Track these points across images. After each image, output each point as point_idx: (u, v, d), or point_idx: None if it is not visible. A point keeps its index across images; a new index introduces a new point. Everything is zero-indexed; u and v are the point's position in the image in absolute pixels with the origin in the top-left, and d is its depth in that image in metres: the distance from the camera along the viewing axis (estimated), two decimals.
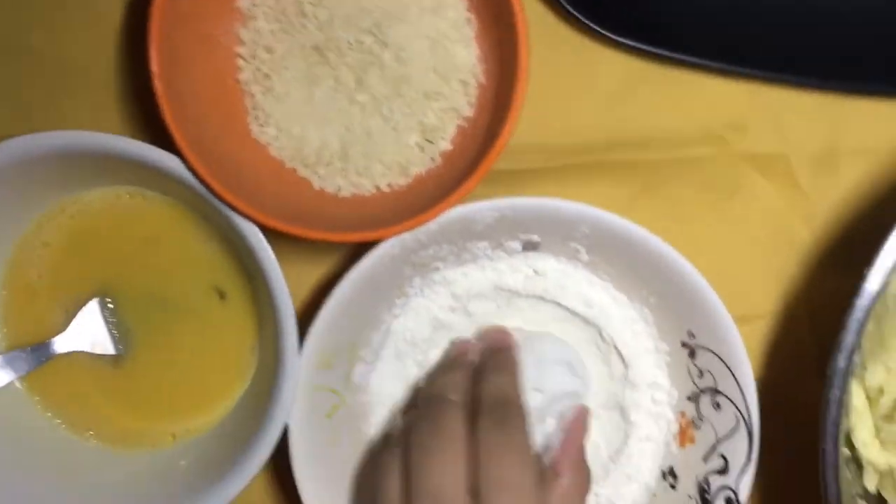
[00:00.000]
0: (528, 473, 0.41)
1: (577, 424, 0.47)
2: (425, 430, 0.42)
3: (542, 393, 0.47)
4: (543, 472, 0.43)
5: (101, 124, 0.50)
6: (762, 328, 0.52)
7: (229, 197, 0.44)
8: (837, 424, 0.40)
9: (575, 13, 0.48)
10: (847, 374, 0.39)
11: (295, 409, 0.47)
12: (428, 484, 0.40)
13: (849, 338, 0.39)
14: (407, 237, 0.46)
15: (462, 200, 0.45)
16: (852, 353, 0.39)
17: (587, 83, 0.51)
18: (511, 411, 0.43)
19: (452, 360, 0.49)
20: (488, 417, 0.43)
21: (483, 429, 0.42)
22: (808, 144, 0.51)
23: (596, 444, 0.52)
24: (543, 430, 0.47)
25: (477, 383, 0.45)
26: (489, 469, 0.40)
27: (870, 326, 0.46)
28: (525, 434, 0.43)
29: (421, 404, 0.46)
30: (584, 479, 0.45)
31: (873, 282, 0.39)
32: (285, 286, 0.45)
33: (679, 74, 0.50)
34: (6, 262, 0.51)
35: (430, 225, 0.45)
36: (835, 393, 0.39)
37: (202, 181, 0.44)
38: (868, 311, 0.38)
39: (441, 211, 0.44)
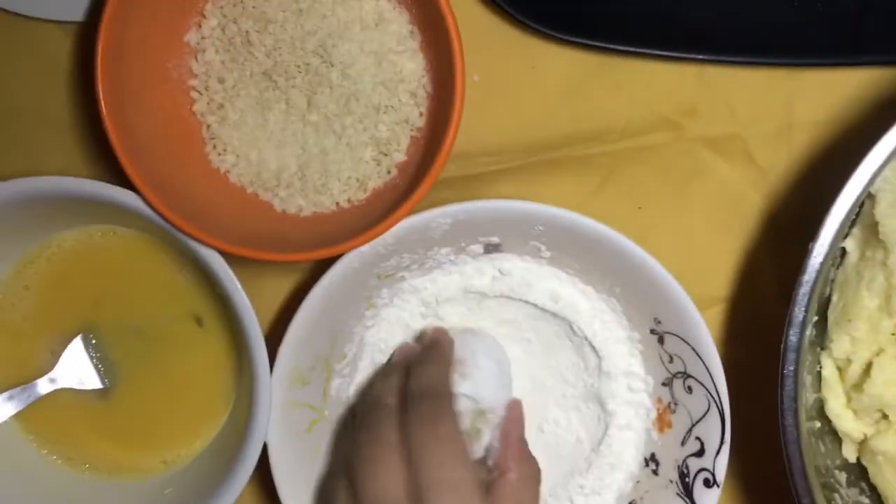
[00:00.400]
0: (461, 464, 0.42)
1: (512, 420, 0.47)
2: (363, 441, 0.43)
3: (476, 402, 0.47)
4: (491, 471, 0.44)
5: (68, 167, 0.52)
6: (731, 307, 0.52)
7: (188, 227, 0.45)
8: (795, 399, 0.40)
9: (522, 19, 0.49)
10: (800, 348, 0.39)
11: (272, 427, 0.48)
12: (371, 495, 0.41)
13: (798, 312, 0.39)
14: (365, 250, 0.46)
15: (415, 210, 0.45)
16: (804, 327, 0.40)
17: (537, 82, 0.52)
18: (437, 402, 0.44)
19: (391, 365, 0.50)
20: (415, 411, 0.43)
21: (411, 423, 0.43)
22: (760, 122, 0.51)
23: (578, 437, 0.52)
24: (480, 442, 0.46)
25: (408, 379, 0.46)
26: (423, 470, 0.41)
27: (834, 298, 0.47)
28: (452, 422, 0.43)
29: (359, 413, 0.47)
30: (531, 470, 0.45)
31: (817, 254, 0.39)
32: (252, 311, 0.46)
33: (627, 64, 0.51)
34: None
35: (387, 237, 0.46)
36: (789, 368, 0.39)
37: (160, 214, 0.45)
38: (813, 285, 0.39)
39: (393, 223, 0.45)
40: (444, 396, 0.45)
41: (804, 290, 0.39)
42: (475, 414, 0.46)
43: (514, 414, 0.47)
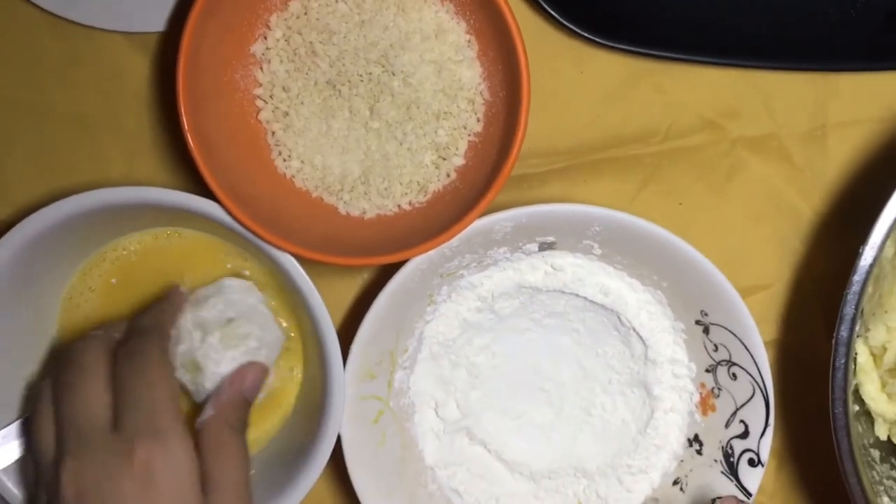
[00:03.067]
0: (161, 389, 0.44)
1: (236, 376, 0.48)
2: (66, 370, 0.45)
3: (203, 375, 0.48)
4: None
5: (131, 174, 0.54)
6: (770, 296, 0.55)
7: (268, 235, 0.47)
8: (845, 389, 0.43)
9: (569, 24, 0.51)
10: (850, 342, 0.43)
11: (345, 420, 0.50)
12: (71, 415, 0.44)
13: (849, 310, 0.42)
14: (433, 253, 0.49)
15: (481, 215, 0.48)
16: (854, 322, 0.43)
17: (584, 86, 0.54)
18: (145, 339, 0.46)
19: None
20: (122, 349, 0.46)
21: (118, 361, 0.45)
22: (797, 122, 0.54)
23: (624, 420, 0.56)
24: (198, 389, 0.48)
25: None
26: (122, 393, 0.44)
27: (869, 289, 0.50)
28: (156, 358, 0.45)
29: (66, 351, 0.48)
30: (231, 414, 0.46)
31: (867, 257, 0.42)
32: (327, 313, 0.48)
33: (670, 69, 0.53)
34: (58, 311, 0.54)
35: (453, 240, 0.48)
36: (840, 361, 0.43)
37: (241, 223, 0.47)
38: (864, 285, 0.42)
39: (461, 229, 0.48)
40: (153, 334, 0.47)
41: (855, 289, 0.42)
42: (191, 365, 0.48)
43: (240, 372, 0.48)
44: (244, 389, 0.48)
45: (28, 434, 0.46)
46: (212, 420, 0.46)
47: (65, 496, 0.42)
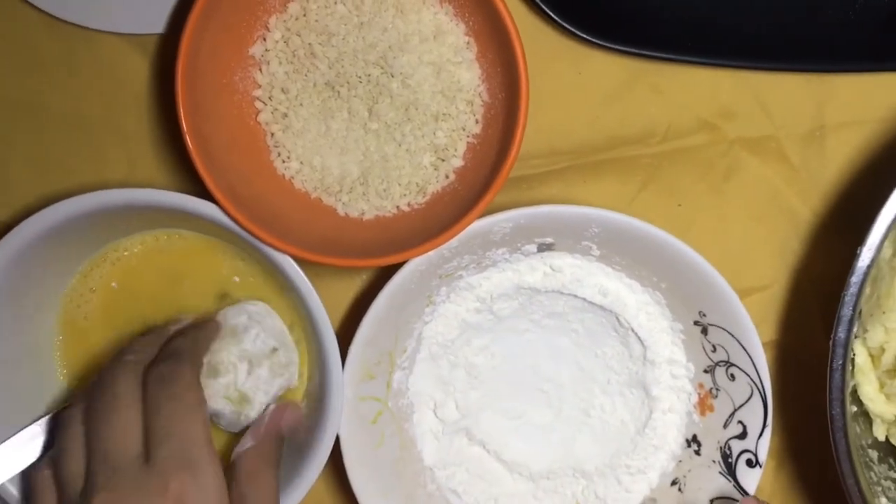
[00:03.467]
0: (193, 419, 0.44)
1: (276, 412, 0.51)
2: (100, 398, 0.45)
3: (252, 406, 0.51)
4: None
5: (131, 176, 0.54)
6: (769, 297, 0.55)
7: (267, 237, 0.47)
8: (843, 390, 0.43)
9: (567, 25, 0.51)
10: (848, 343, 0.43)
11: (343, 420, 0.51)
12: (104, 446, 0.43)
13: (847, 311, 0.42)
14: (432, 254, 0.49)
15: (480, 216, 0.48)
16: (852, 323, 0.43)
17: (583, 87, 0.54)
18: (179, 364, 0.46)
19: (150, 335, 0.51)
20: (154, 371, 0.45)
21: (148, 383, 0.45)
22: (794, 123, 0.54)
23: (622, 420, 0.56)
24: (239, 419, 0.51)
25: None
26: (154, 421, 0.43)
27: (867, 290, 0.50)
28: (189, 385, 0.45)
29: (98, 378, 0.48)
30: (269, 448, 0.49)
31: (865, 258, 0.42)
32: (326, 315, 0.48)
33: (667, 70, 0.53)
34: (58, 311, 0.54)
35: (452, 241, 0.49)
36: (838, 362, 0.43)
37: (239, 224, 0.48)
38: (861, 286, 0.42)
39: (460, 230, 0.48)
40: (185, 359, 0.47)
41: (852, 290, 0.42)
42: (238, 397, 0.50)
43: (279, 410, 0.51)
44: (282, 427, 0.50)
45: (56, 462, 0.45)
46: (251, 450, 0.48)
47: None
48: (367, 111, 0.51)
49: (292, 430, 0.51)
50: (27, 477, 0.48)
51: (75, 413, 0.46)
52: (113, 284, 0.54)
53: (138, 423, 0.44)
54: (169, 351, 0.48)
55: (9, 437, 0.49)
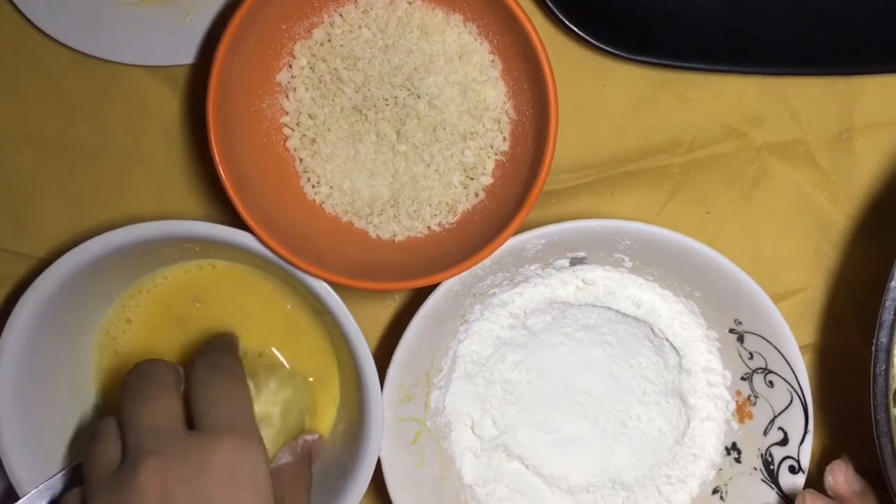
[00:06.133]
0: (240, 394, 0.45)
1: (309, 440, 0.53)
2: (138, 383, 0.45)
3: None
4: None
5: (165, 204, 0.55)
6: (803, 300, 0.55)
7: (302, 264, 0.48)
8: (887, 395, 0.43)
9: (590, 39, 0.51)
10: (890, 347, 0.43)
11: (384, 443, 0.51)
12: (150, 420, 0.43)
13: (888, 316, 0.42)
14: (466, 274, 0.49)
15: (513, 234, 0.48)
16: (893, 328, 0.43)
17: (607, 99, 0.54)
18: (222, 355, 0.47)
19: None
20: (198, 362, 0.46)
21: (194, 369, 0.46)
22: (822, 127, 0.54)
23: (660, 430, 0.56)
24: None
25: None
26: (202, 394, 0.44)
27: None
28: (234, 367, 0.46)
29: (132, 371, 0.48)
30: (305, 466, 0.51)
31: None
32: (363, 339, 0.48)
33: (694, 78, 0.54)
34: (93, 345, 0.55)
35: (485, 260, 0.49)
36: (881, 367, 0.43)
37: (275, 252, 0.48)
38: None
39: (496, 248, 0.48)
40: (230, 351, 0.48)
41: (893, 295, 0.42)
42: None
43: (308, 442, 0.53)
44: (313, 452, 0.52)
45: (87, 455, 0.45)
46: (292, 462, 0.50)
47: (149, 492, 0.41)
48: (395, 133, 0.51)
49: (316, 458, 0.53)
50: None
51: (109, 420, 0.46)
52: (148, 314, 0.55)
53: (180, 402, 0.44)
54: (209, 347, 0.50)
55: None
